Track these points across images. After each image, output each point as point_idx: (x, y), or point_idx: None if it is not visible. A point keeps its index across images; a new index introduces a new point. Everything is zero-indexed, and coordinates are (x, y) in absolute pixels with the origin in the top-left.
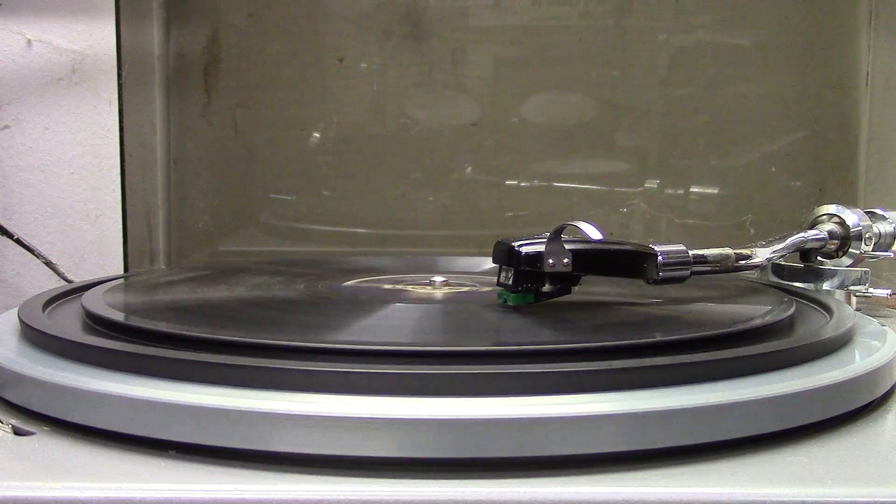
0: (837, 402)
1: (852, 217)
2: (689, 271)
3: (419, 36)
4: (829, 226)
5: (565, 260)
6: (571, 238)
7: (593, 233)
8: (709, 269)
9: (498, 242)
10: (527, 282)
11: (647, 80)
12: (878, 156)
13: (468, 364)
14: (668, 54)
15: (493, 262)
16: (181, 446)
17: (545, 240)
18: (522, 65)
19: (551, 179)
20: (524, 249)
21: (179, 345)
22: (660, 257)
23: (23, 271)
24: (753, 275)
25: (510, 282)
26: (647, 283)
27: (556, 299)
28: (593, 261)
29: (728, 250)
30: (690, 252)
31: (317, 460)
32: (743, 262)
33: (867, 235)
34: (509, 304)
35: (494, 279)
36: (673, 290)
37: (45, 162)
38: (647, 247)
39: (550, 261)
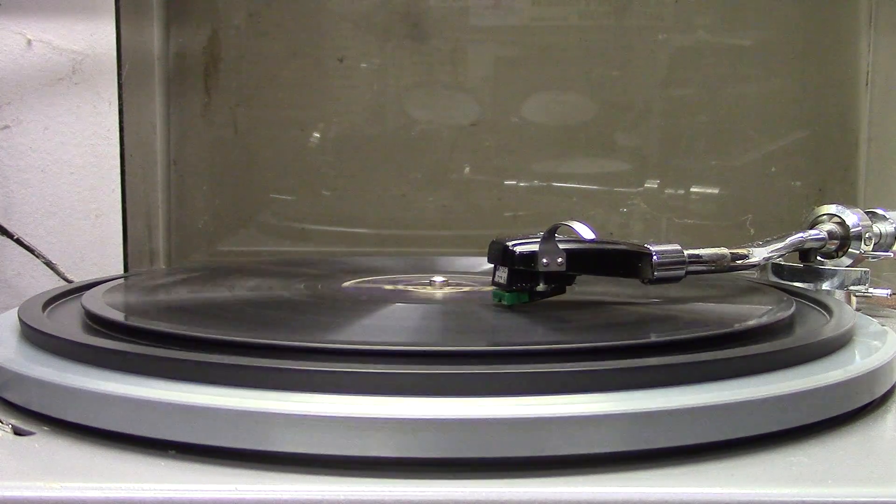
0: (837, 402)
1: (852, 217)
2: (684, 271)
3: (419, 36)
4: (829, 226)
5: (559, 259)
6: (567, 238)
7: (586, 233)
8: (704, 268)
9: (493, 242)
10: (521, 281)
11: (647, 80)
12: (878, 156)
13: (468, 364)
14: (668, 54)
15: (488, 261)
16: (181, 446)
17: (539, 239)
18: (522, 65)
19: (551, 179)
20: (518, 249)
21: (179, 345)
22: (654, 257)
23: (23, 271)
24: (753, 275)
25: (504, 281)
26: (643, 282)
27: (557, 299)
28: (588, 260)
29: (724, 250)
30: (686, 251)
31: (317, 460)
32: (739, 261)
33: (867, 235)
34: (504, 303)
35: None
36: (672, 290)
37: (45, 162)
38: (642, 246)
39: (544, 260)
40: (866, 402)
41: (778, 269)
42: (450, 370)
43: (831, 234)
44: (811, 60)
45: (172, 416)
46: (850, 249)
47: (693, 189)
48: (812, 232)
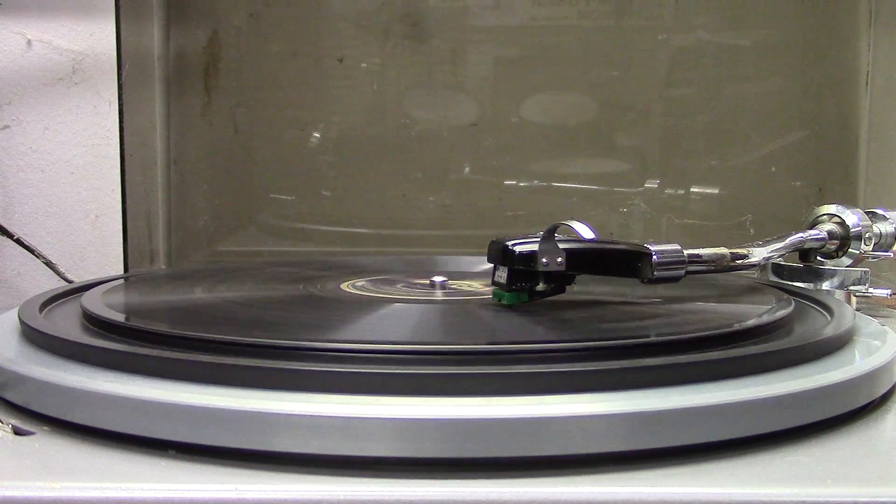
0: (837, 402)
1: (852, 217)
2: (683, 271)
3: (419, 36)
4: (829, 226)
5: (559, 259)
6: (567, 238)
7: (586, 232)
8: (704, 268)
9: (492, 241)
10: (521, 281)
11: (647, 80)
12: (878, 156)
13: (468, 364)
14: (668, 54)
15: (488, 261)
16: (181, 446)
17: (539, 239)
18: (522, 65)
19: (551, 179)
20: (518, 248)
21: (179, 345)
22: (654, 256)
23: (23, 271)
24: (753, 275)
25: (504, 281)
26: (643, 282)
27: (557, 299)
28: (588, 260)
29: (723, 250)
30: (686, 251)
31: (317, 460)
32: (739, 261)
33: (867, 235)
34: (504, 303)
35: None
36: (672, 290)
37: (45, 162)
38: (642, 246)
39: (544, 260)
40: (866, 402)
41: (778, 269)
42: (449, 370)
43: (831, 234)
44: (811, 60)
45: (172, 416)
46: (850, 249)
47: (693, 189)
48: (812, 232)
